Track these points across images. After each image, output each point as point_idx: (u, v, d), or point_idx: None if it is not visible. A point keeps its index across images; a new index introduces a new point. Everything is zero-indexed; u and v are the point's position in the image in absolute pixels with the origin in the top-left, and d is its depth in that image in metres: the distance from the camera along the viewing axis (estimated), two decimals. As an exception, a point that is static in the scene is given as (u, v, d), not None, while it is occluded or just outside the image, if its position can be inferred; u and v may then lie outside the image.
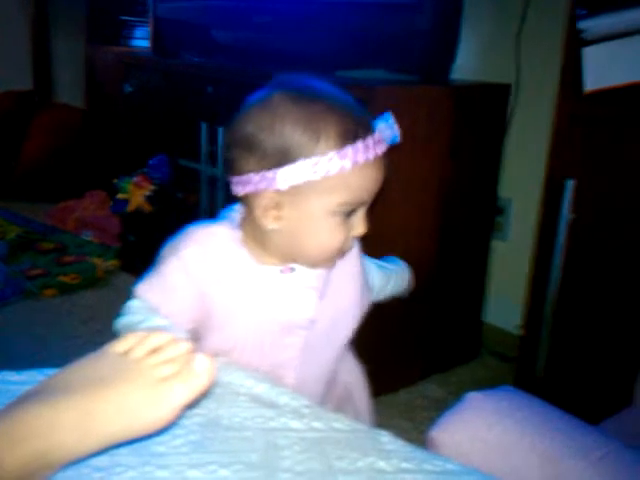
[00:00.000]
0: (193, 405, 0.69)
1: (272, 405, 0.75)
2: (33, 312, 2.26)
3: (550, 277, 1.59)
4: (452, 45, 1.88)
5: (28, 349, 2.02)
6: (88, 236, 2.89)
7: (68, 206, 3.11)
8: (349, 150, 0.79)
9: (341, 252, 0.88)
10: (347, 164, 0.79)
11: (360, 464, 0.65)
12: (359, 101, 0.86)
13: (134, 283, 0.92)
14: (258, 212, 0.84)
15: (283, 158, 0.80)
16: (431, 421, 0.89)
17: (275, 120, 0.80)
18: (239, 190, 0.85)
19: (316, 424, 0.71)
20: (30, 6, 3.89)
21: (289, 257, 0.88)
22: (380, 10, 1.78)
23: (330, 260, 0.89)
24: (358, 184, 0.82)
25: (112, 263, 2.63)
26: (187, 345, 0.62)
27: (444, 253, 1.93)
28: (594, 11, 1.43)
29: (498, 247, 2.18)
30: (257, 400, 0.75)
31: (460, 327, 2.10)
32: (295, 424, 0.71)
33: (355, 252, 0.95)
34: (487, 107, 1.95)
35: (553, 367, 1.64)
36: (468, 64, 2.12)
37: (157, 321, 0.86)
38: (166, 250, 0.91)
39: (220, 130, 2.01)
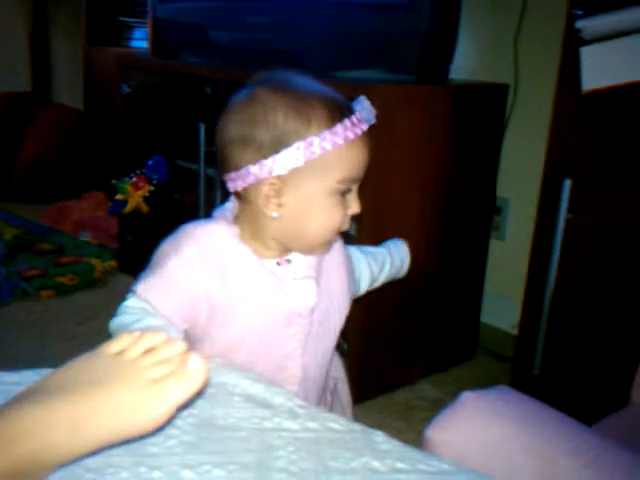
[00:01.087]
0: (187, 405, 0.69)
1: (267, 405, 0.74)
2: (30, 313, 2.26)
3: (547, 276, 1.59)
4: (450, 45, 1.87)
5: (25, 350, 2.02)
6: (86, 237, 2.89)
7: (66, 207, 3.11)
8: (339, 128, 0.85)
9: (338, 232, 0.93)
10: (339, 140, 0.84)
11: (354, 464, 0.65)
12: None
13: (131, 284, 0.92)
14: (260, 202, 0.87)
15: (279, 145, 0.84)
16: (428, 421, 0.89)
17: (267, 112, 0.84)
18: (238, 185, 0.88)
19: (311, 424, 0.71)
20: (29, 7, 3.89)
21: (287, 246, 0.92)
22: (377, 10, 1.78)
23: (328, 243, 0.93)
24: (351, 159, 0.87)
25: (110, 264, 2.63)
26: (181, 345, 0.61)
27: (442, 252, 1.93)
28: (592, 11, 1.43)
29: (496, 246, 2.18)
30: (252, 400, 0.75)
31: (458, 327, 2.10)
32: (289, 424, 0.71)
33: (339, 243, 1.00)
34: (485, 107, 1.95)
35: (549, 367, 1.64)
36: (466, 64, 2.12)
37: (151, 321, 0.86)
38: (164, 249, 0.91)
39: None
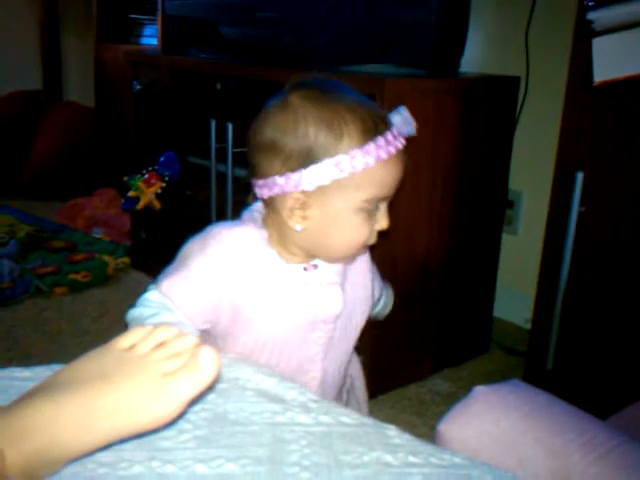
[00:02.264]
0: (199, 400, 0.69)
1: (279, 400, 0.74)
2: (44, 310, 2.27)
3: (560, 270, 1.58)
4: (461, 38, 1.86)
5: (39, 346, 2.03)
6: (98, 234, 2.91)
7: (78, 204, 3.13)
8: (371, 146, 0.81)
9: (365, 246, 0.91)
10: (370, 160, 0.81)
11: (366, 458, 0.65)
12: (370, 98, 0.88)
13: (145, 280, 0.92)
14: (284, 213, 0.86)
15: (307, 159, 0.82)
16: (440, 416, 0.89)
17: (298, 122, 0.82)
18: (264, 193, 0.87)
19: (323, 418, 0.71)
20: (39, 5, 3.90)
21: (312, 254, 0.91)
22: (387, 4, 1.78)
23: (354, 255, 0.93)
24: (381, 179, 0.84)
25: (122, 260, 2.64)
26: (193, 339, 0.62)
27: (454, 247, 1.92)
28: (603, 2, 1.42)
29: (508, 240, 2.17)
30: (264, 395, 0.75)
31: (470, 321, 2.09)
32: (302, 418, 0.71)
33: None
34: (497, 100, 1.94)
35: (562, 361, 1.63)
36: (477, 57, 2.11)
37: (168, 317, 0.87)
38: (190, 248, 0.91)
39: (229, 126, 2.00)
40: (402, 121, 0.88)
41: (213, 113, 2.10)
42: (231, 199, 2.08)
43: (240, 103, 2.13)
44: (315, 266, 0.92)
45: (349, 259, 0.94)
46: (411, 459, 0.65)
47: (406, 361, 1.92)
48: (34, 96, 3.79)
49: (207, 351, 0.60)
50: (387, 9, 1.77)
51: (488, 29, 2.14)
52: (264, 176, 0.86)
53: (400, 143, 0.85)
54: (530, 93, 2.04)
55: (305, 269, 0.92)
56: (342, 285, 0.94)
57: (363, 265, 0.99)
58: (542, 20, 1.99)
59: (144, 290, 0.92)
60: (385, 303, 1.16)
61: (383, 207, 0.88)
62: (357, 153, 0.81)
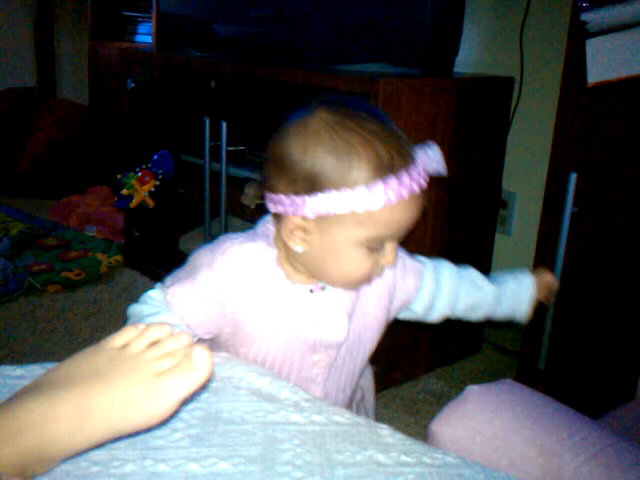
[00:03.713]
0: (192, 399, 0.69)
1: (272, 399, 0.75)
2: (37, 307, 2.27)
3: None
4: (455, 38, 1.87)
5: (31, 344, 2.02)
6: (91, 232, 2.90)
7: (71, 202, 3.12)
8: (381, 187, 0.76)
9: (368, 280, 0.87)
10: (377, 202, 0.76)
11: (359, 457, 0.65)
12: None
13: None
14: (285, 233, 0.83)
15: (312, 186, 0.78)
16: (433, 415, 0.89)
17: (308, 144, 0.78)
18: (270, 207, 0.84)
19: (316, 417, 0.71)
20: (34, 2, 3.89)
21: (314, 277, 0.88)
22: (382, 3, 1.78)
23: (357, 286, 0.89)
24: (388, 221, 0.79)
25: (116, 258, 2.63)
26: (186, 338, 0.62)
27: (447, 247, 1.92)
28: (597, 3, 1.42)
29: (501, 241, 2.17)
30: (257, 394, 0.75)
31: (463, 321, 2.09)
32: (295, 417, 0.71)
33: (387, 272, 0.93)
34: (490, 100, 1.94)
35: (555, 361, 1.63)
36: (471, 57, 2.12)
37: (168, 317, 0.87)
38: (199, 258, 0.89)
39: (223, 125, 2.00)
40: (429, 159, 0.82)
41: (207, 111, 2.10)
42: (225, 198, 2.08)
43: (234, 101, 2.13)
44: (323, 288, 0.89)
45: (353, 289, 0.89)
46: (403, 458, 0.65)
47: (399, 361, 1.93)
48: (28, 93, 3.78)
49: (200, 350, 0.60)
50: (382, 8, 1.77)
51: (482, 29, 2.15)
52: (272, 191, 0.83)
53: (417, 185, 0.78)
54: (524, 94, 2.04)
55: (311, 291, 0.88)
56: (351, 311, 0.90)
57: (380, 288, 0.94)
58: (536, 20, 2.00)
59: (137, 288, 0.92)
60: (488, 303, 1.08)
61: (390, 245, 0.83)
62: (364, 192, 0.76)
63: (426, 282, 1.02)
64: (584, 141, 1.52)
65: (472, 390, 0.88)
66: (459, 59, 1.94)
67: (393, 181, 0.76)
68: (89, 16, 3.36)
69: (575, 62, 1.49)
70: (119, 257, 2.65)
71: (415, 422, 1.73)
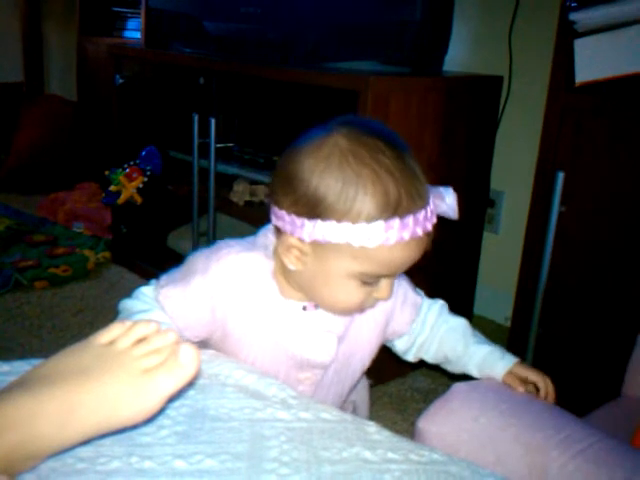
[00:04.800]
0: (179, 396, 0.69)
1: (259, 396, 0.75)
2: (24, 304, 2.25)
3: (540, 269, 1.59)
4: (444, 36, 1.87)
5: (18, 340, 2.01)
6: (79, 228, 2.89)
7: (59, 198, 3.10)
8: (382, 226, 0.73)
9: (360, 310, 0.86)
10: (375, 240, 0.74)
11: (346, 454, 0.65)
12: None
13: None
14: (281, 249, 0.82)
15: (313, 210, 0.75)
16: (420, 412, 0.90)
17: (317, 168, 0.75)
18: (272, 219, 0.83)
19: (303, 414, 0.72)
20: (21, -3, 3.87)
21: (308, 297, 0.86)
22: (371, 1, 1.78)
23: (347, 314, 0.87)
24: (385, 260, 0.77)
25: (103, 255, 2.62)
26: (173, 336, 0.61)
27: (435, 245, 1.92)
28: (585, 3, 1.43)
29: (489, 239, 2.18)
30: (244, 391, 0.75)
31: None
32: (282, 414, 0.71)
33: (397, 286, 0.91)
34: (479, 99, 1.95)
35: (541, 359, 1.64)
36: (460, 56, 2.12)
37: (159, 315, 0.86)
38: (195, 262, 0.88)
39: (212, 121, 2.00)
40: (442, 202, 0.81)
41: (196, 108, 2.09)
42: (213, 194, 2.08)
43: (223, 98, 2.13)
44: (317, 306, 0.87)
45: (344, 315, 0.88)
46: (390, 455, 0.65)
47: (387, 358, 1.92)
48: (15, 89, 3.76)
49: (187, 348, 0.60)
50: (372, 6, 1.77)
51: (472, 28, 2.15)
52: (276, 204, 0.81)
53: (421, 229, 0.76)
54: (512, 93, 2.05)
55: (304, 308, 0.87)
56: (343, 333, 0.89)
57: (377, 315, 0.92)
58: (525, 20, 2.00)
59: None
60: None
61: (386, 280, 0.81)
62: (364, 228, 0.73)
63: (418, 320, 1.01)
64: (572, 140, 1.53)
65: (459, 388, 0.88)
66: (448, 58, 1.94)
67: (396, 222, 0.74)
68: (78, 11, 3.35)
69: (563, 62, 1.50)
70: (107, 254, 2.64)
71: (402, 419, 1.74)
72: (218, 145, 2.05)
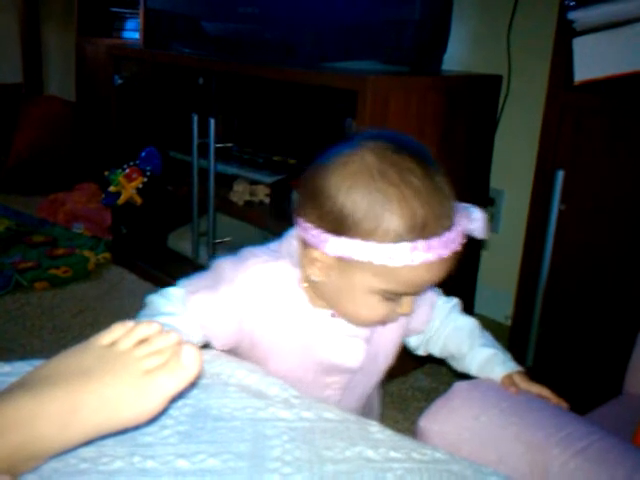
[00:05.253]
0: (182, 396, 0.69)
1: (262, 396, 0.75)
2: (24, 305, 2.25)
3: (540, 268, 1.59)
4: (443, 36, 1.87)
5: (19, 341, 2.01)
6: (79, 229, 2.89)
7: (59, 199, 3.10)
8: (407, 247, 0.73)
9: (382, 323, 0.86)
10: (399, 260, 0.73)
11: (348, 453, 0.65)
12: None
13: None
14: (305, 260, 0.81)
15: (339, 227, 0.75)
16: (422, 411, 0.90)
17: (344, 186, 0.74)
18: (298, 230, 0.82)
19: (305, 414, 0.72)
20: (20, -2, 3.87)
21: (330, 307, 0.86)
22: (371, 0, 1.78)
23: (369, 326, 0.87)
24: (408, 279, 0.76)
25: (103, 256, 2.62)
26: (175, 336, 0.61)
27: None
28: (584, 2, 1.43)
29: (489, 238, 2.18)
30: (247, 391, 0.75)
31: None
32: (284, 414, 0.71)
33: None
34: (478, 98, 1.95)
35: (542, 357, 1.64)
36: (459, 55, 2.12)
37: (184, 322, 0.85)
38: (223, 269, 0.88)
39: (211, 122, 2.00)
40: (470, 222, 0.80)
41: (195, 108, 2.09)
42: (213, 194, 2.08)
43: (222, 98, 2.13)
44: None
45: (366, 327, 0.88)
46: (392, 454, 0.65)
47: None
48: (14, 90, 3.76)
49: (189, 349, 0.60)
50: (371, 6, 1.77)
51: (471, 27, 2.15)
52: (302, 216, 0.80)
53: (447, 250, 0.76)
54: (512, 92, 2.05)
55: (333, 315, 0.87)
56: (369, 336, 0.90)
57: (400, 321, 0.92)
58: (524, 19, 2.00)
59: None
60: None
61: (408, 297, 0.81)
62: (388, 248, 0.73)
63: (435, 317, 1.02)
64: (571, 139, 1.53)
65: (460, 387, 0.88)
66: (447, 57, 1.94)
67: (421, 244, 0.73)
68: (76, 12, 3.35)
69: (562, 60, 1.50)
70: (107, 254, 2.64)
71: (404, 418, 1.74)
72: (218, 145, 2.05)
